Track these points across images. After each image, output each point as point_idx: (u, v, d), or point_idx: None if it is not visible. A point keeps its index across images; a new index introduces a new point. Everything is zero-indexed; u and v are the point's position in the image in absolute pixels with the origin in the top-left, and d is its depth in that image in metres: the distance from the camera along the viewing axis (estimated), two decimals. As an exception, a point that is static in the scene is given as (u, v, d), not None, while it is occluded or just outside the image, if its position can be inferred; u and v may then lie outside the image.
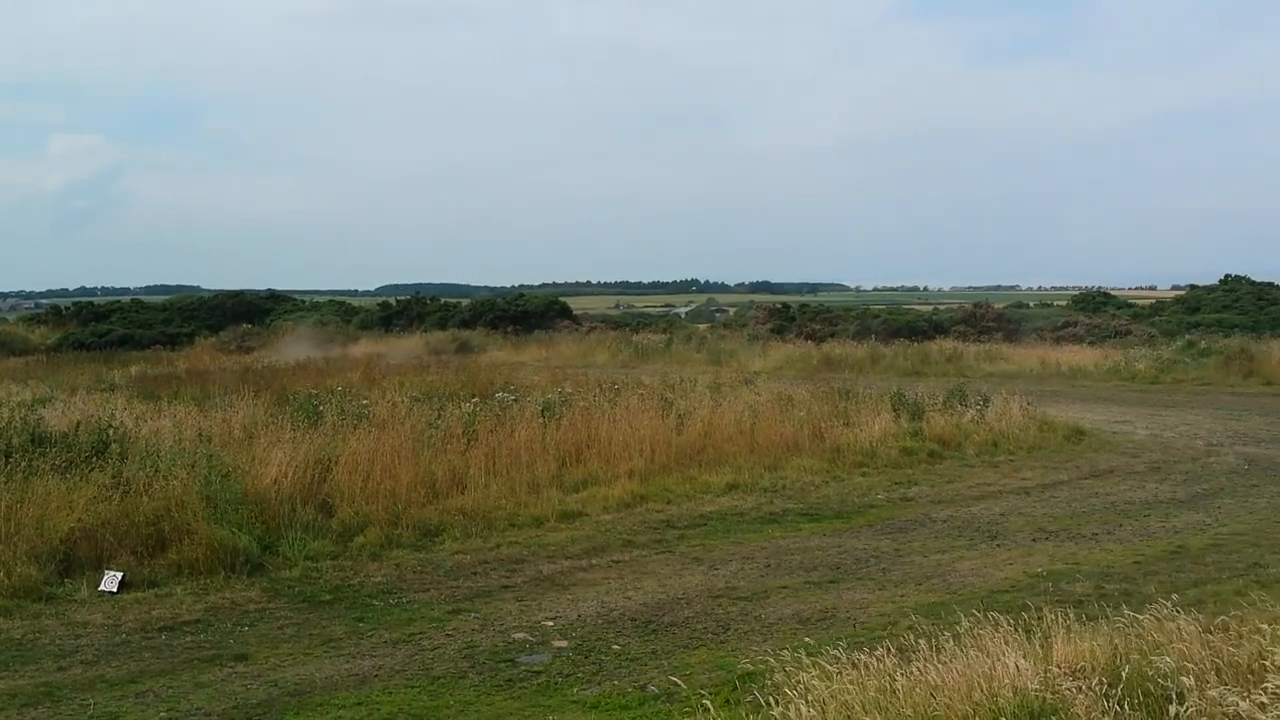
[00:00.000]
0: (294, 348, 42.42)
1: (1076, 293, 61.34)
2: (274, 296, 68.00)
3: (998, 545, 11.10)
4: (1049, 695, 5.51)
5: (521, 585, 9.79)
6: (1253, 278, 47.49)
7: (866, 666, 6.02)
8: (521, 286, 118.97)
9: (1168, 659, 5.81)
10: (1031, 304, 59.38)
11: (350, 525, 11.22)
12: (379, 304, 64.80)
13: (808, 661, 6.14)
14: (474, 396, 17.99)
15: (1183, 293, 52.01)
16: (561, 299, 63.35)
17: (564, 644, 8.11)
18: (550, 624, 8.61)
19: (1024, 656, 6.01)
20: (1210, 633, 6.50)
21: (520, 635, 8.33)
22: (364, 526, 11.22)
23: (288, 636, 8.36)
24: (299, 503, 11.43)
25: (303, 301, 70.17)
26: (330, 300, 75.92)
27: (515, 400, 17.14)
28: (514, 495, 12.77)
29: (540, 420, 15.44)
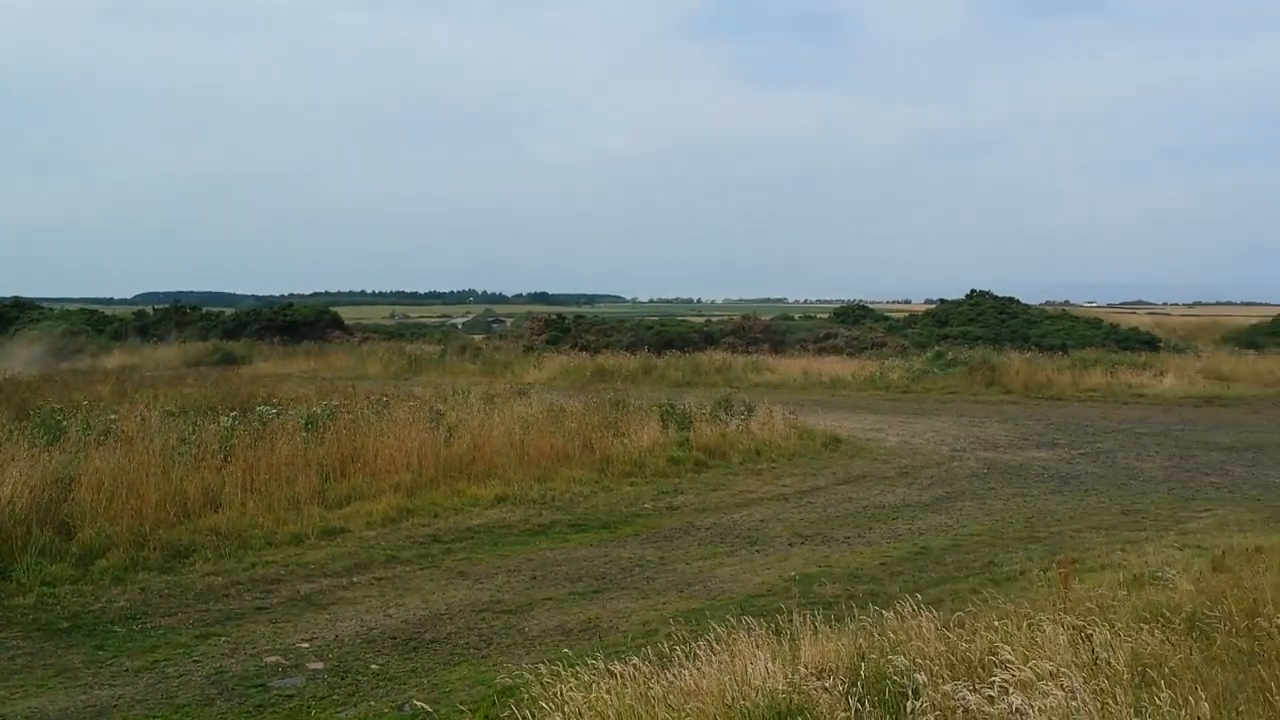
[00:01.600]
0: (35, 359, 39.66)
1: (838, 306, 64.00)
2: (19, 304, 63.45)
3: (757, 551, 11.43)
4: (796, 695, 5.70)
5: (277, 606, 9.44)
6: (995, 293, 50.67)
7: (624, 675, 6.08)
8: (292, 296, 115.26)
9: (903, 657, 6.10)
10: (797, 316, 61.66)
11: (92, 547, 10.56)
12: (135, 313, 61.49)
13: (566, 673, 6.16)
14: (233, 410, 17.26)
15: (933, 307, 54.99)
16: (333, 309, 61.66)
17: (320, 666, 7.86)
18: (306, 645, 8.33)
19: (774, 659, 6.21)
20: (947, 629, 6.87)
21: (273, 659, 8.02)
22: (107, 549, 10.58)
23: (19, 667, 7.80)
24: (35, 524, 10.67)
25: (51, 310, 65.72)
26: (81, 309, 71.43)
27: (278, 414, 16.54)
28: (273, 513, 12.32)
29: (304, 434, 14.97)
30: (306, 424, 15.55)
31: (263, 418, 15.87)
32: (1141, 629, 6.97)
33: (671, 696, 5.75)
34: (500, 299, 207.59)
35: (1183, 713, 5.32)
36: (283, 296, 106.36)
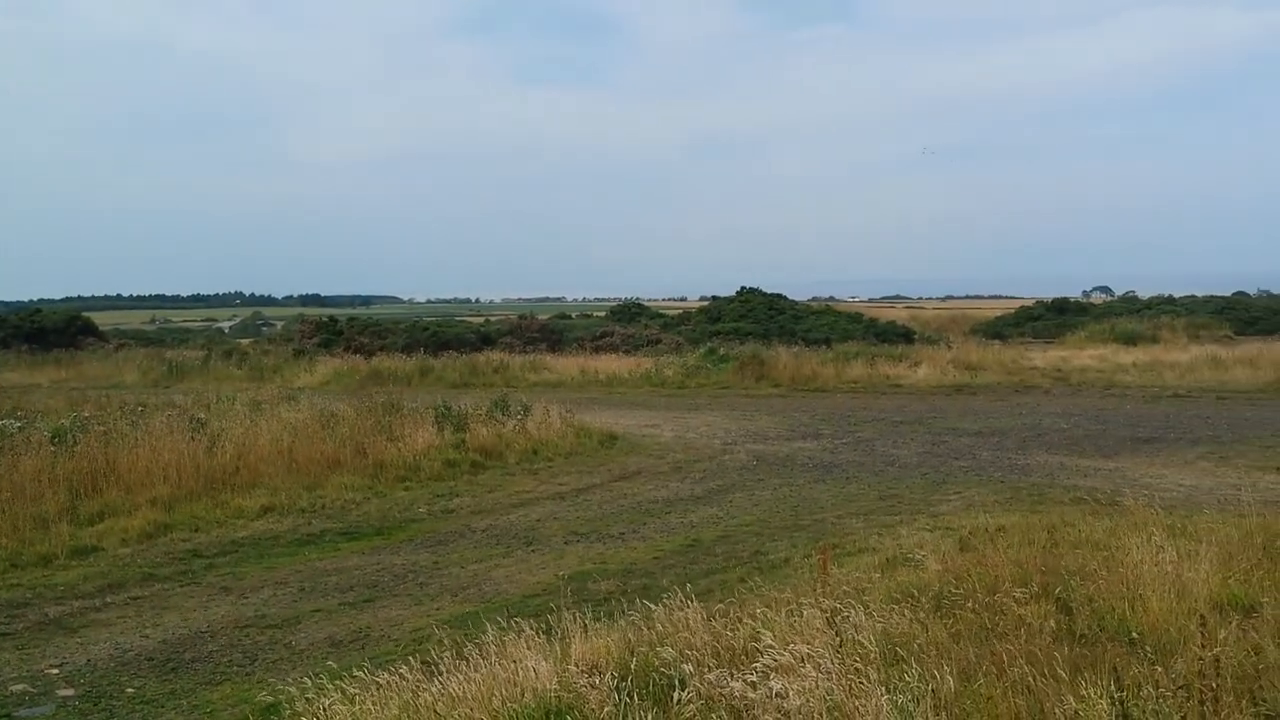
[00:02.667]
0: None
1: (615, 304, 64.77)
2: None
3: (533, 551, 11.46)
4: (566, 694, 5.75)
5: (23, 632, 8.86)
6: (764, 290, 52.32)
7: (390, 685, 6.00)
8: (41, 301, 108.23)
9: (670, 649, 6.24)
10: (574, 315, 62.08)
11: None
12: None
13: (330, 686, 6.03)
14: (-30, 425, 16.07)
15: (707, 304, 56.35)
16: (86, 314, 58.29)
17: (70, 692, 7.43)
18: (55, 671, 7.86)
19: (545, 659, 6.24)
20: (713, 620, 7.07)
21: (19, 687, 7.53)
22: None
23: None
24: None
25: None
26: None
27: (22, 427, 15.52)
28: (17, 533, 11.57)
29: (51, 448, 14.10)
30: (54, 437, 14.66)
31: (4, 432, 14.87)
32: (893, 609, 7.36)
33: (439, 704, 5.70)
34: (270, 301, 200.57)
35: (928, 687, 5.64)
36: (31, 302, 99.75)
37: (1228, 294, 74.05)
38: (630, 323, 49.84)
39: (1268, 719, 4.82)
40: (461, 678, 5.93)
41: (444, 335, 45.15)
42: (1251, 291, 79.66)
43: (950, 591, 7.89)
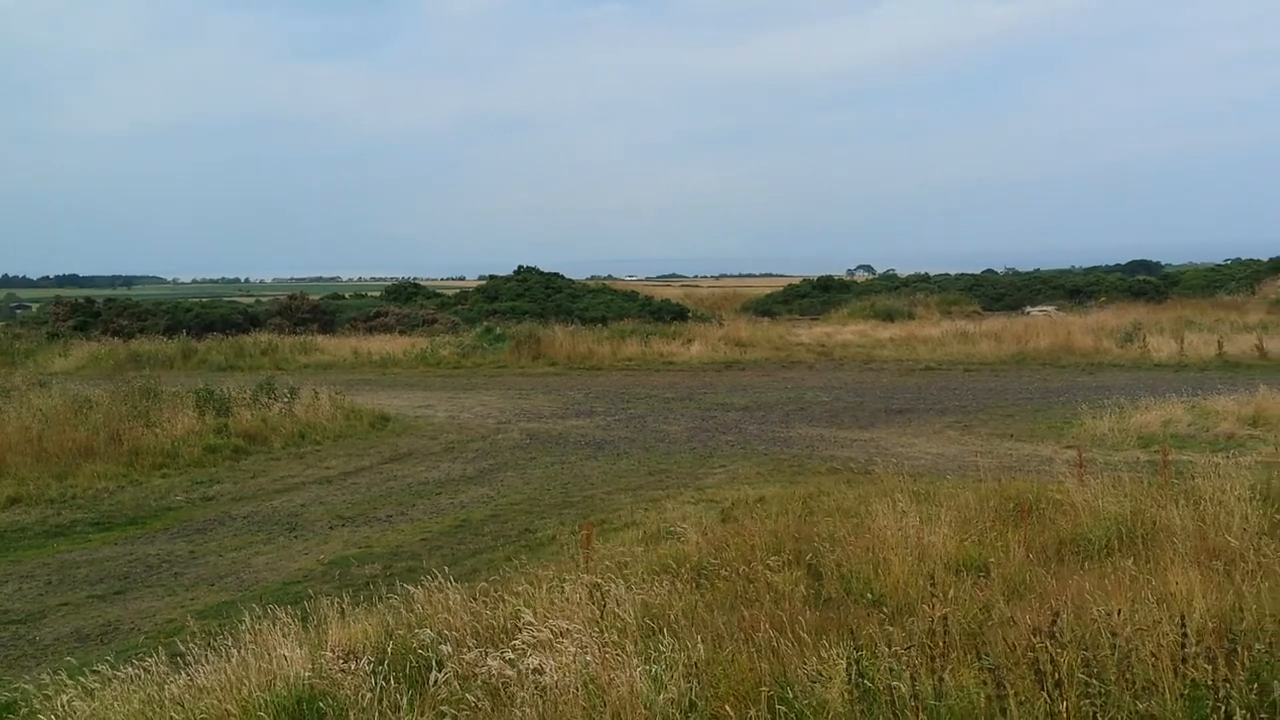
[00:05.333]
0: None
1: (391, 283, 63.57)
2: None
3: (296, 537, 11.18)
4: (320, 681, 5.66)
5: None
6: (541, 269, 52.38)
7: (134, 679, 5.77)
8: None
9: (430, 630, 6.23)
10: (348, 295, 60.58)
11: None
12: None
13: (69, 682, 5.75)
14: None
15: (484, 283, 55.97)
16: None
17: None
18: None
19: (300, 646, 6.12)
20: (474, 599, 7.09)
21: None
22: None
23: None
24: None
25: None
26: None
27: None
28: None
29: None
30: None
31: None
32: (654, 581, 7.55)
33: (186, 696, 5.52)
34: (24, 282, 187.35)
35: (681, 656, 5.82)
36: None
37: (978, 272, 78.72)
38: (406, 303, 49.02)
39: (990, 670, 5.19)
40: (210, 668, 5.76)
41: (209, 316, 43.32)
42: (999, 269, 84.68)
43: (709, 562, 8.15)
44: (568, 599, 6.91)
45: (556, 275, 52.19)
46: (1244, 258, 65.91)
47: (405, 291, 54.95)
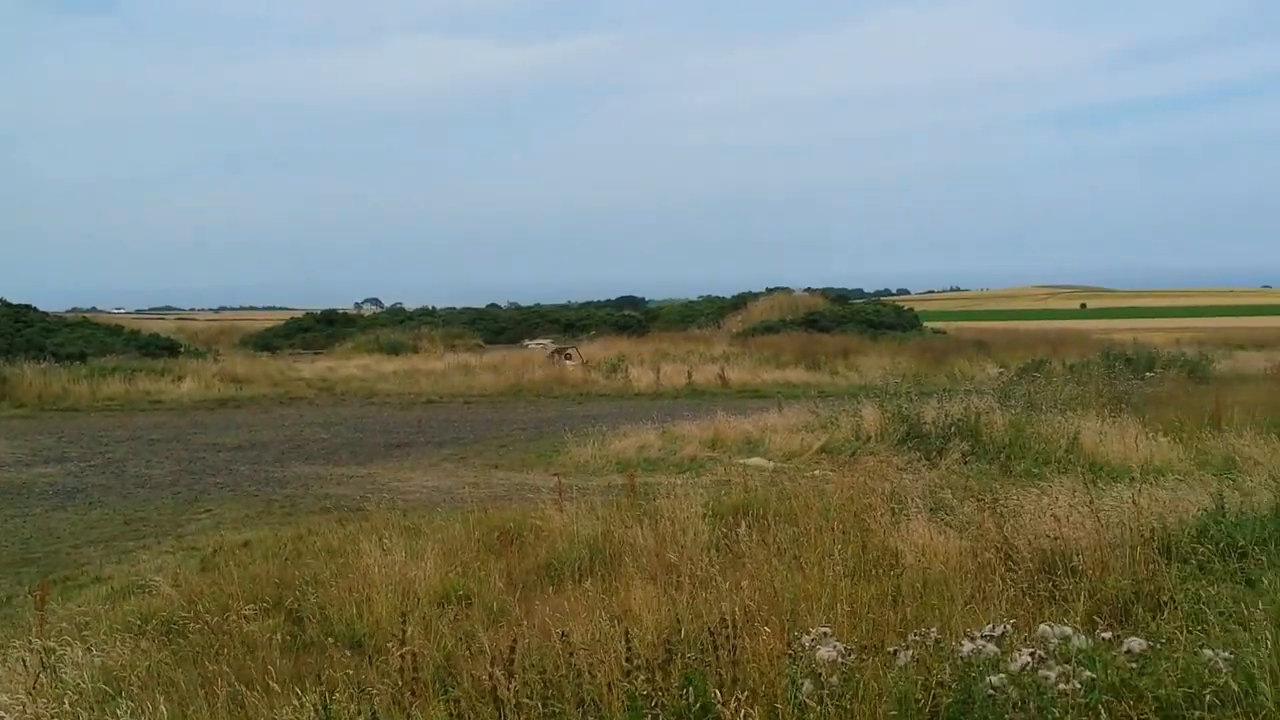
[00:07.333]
0: None
1: None
2: None
3: None
4: None
5: None
6: (9, 300, 47.26)
7: None
8: None
9: None
10: None
11: None
12: None
13: None
14: None
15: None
16: None
17: None
18: None
19: None
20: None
21: None
22: None
23: None
24: None
25: None
26: None
27: None
28: None
29: None
30: None
31: None
32: (118, 641, 7.04)
33: None
34: None
35: (142, 718, 5.48)
36: None
37: (483, 306, 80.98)
38: None
39: (454, 703, 5.34)
40: None
41: None
42: (503, 304, 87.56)
43: (180, 616, 7.74)
44: (12, 669, 6.28)
45: (28, 307, 47.21)
46: (713, 295, 72.75)
47: None
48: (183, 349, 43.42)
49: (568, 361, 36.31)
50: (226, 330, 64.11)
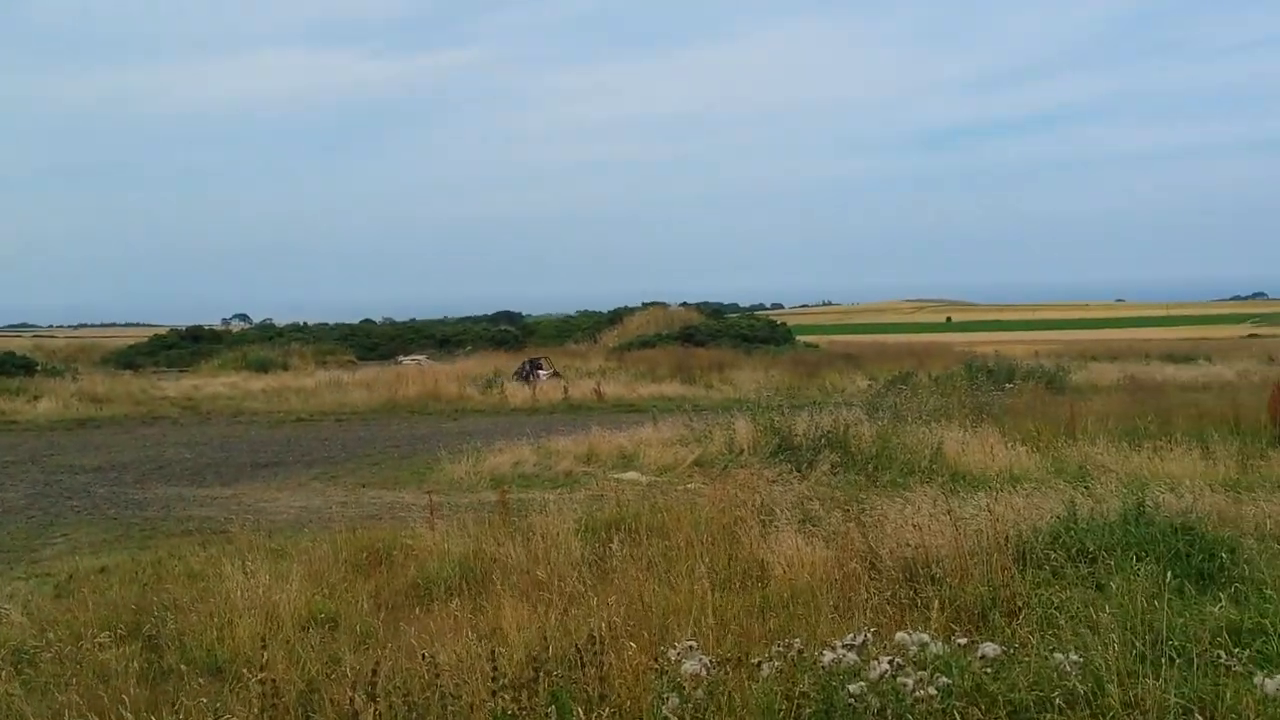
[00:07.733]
0: None
1: None
2: None
3: None
4: None
5: None
6: None
7: None
8: None
9: None
10: None
11: None
12: None
13: None
14: None
15: None
16: None
17: None
18: None
19: None
20: None
21: None
22: None
23: None
24: None
25: None
26: None
27: None
28: None
29: None
30: None
31: None
32: (-41, 676, 6.73)
33: None
34: None
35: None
36: None
37: (356, 321, 79.63)
38: None
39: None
40: None
41: None
42: (378, 319, 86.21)
43: (31, 645, 7.45)
44: None
45: None
46: (590, 309, 72.88)
47: None
48: (39, 367, 41.73)
49: (540, 374, 35.39)
50: (87, 348, 61.78)
